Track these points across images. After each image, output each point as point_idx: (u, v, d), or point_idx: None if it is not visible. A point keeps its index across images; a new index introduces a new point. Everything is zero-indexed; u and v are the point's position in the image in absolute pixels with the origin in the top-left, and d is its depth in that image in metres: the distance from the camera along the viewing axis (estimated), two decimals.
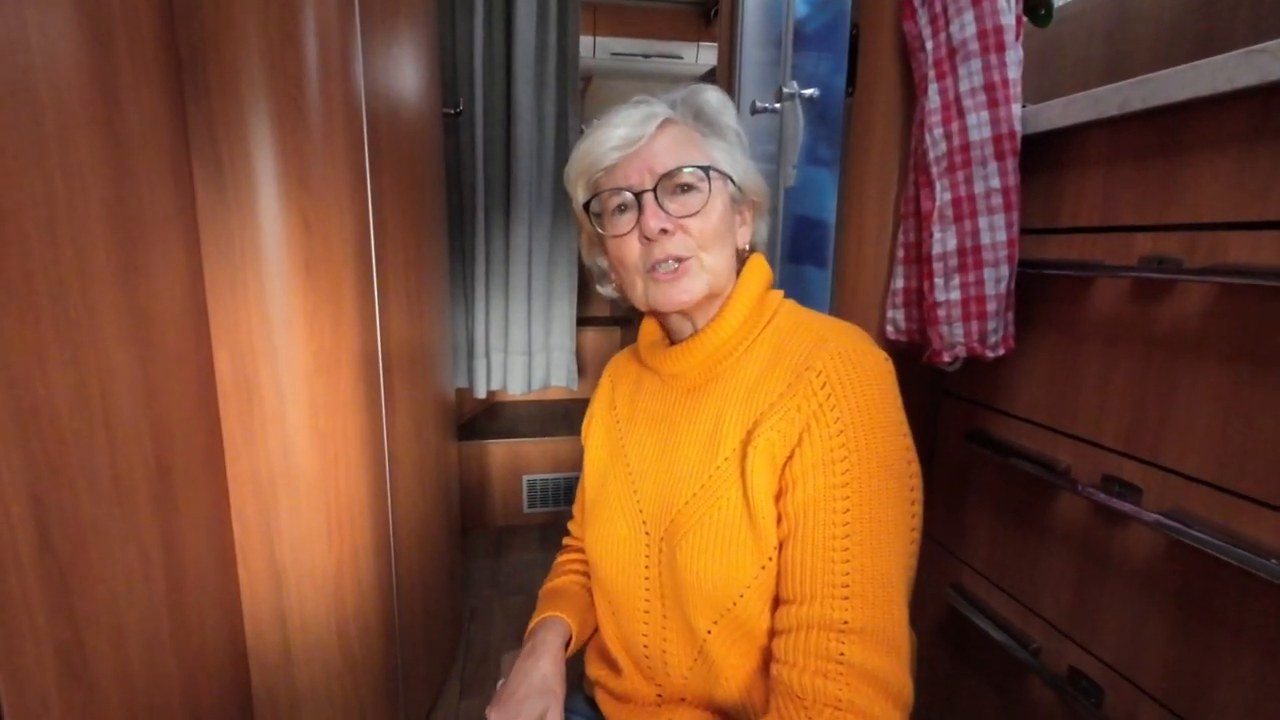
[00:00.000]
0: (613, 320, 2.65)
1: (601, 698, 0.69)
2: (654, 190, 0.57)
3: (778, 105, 1.35)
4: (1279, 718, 0.58)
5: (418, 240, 1.11)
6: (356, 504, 0.93)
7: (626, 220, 0.59)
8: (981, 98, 0.80)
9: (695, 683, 0.60)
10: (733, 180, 0.62)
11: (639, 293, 0.61)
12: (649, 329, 0.69)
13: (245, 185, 0.79)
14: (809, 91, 1.28)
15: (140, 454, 0.66)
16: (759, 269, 0.64)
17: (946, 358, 0.85)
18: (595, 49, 2.87)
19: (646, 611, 0.62)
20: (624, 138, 0.58)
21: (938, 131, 0.84)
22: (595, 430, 0.73)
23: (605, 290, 0.70)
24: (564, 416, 2.34)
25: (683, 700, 0.62)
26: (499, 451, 2.06)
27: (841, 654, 0.47)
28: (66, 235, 0.57)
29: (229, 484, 0.84)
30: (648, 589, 0.61)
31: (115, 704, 0.61)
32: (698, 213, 0.58)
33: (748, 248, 0.66)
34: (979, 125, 0.80)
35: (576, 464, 2.16)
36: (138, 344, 0.66)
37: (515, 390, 1.98)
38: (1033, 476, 0.84)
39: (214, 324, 0.81)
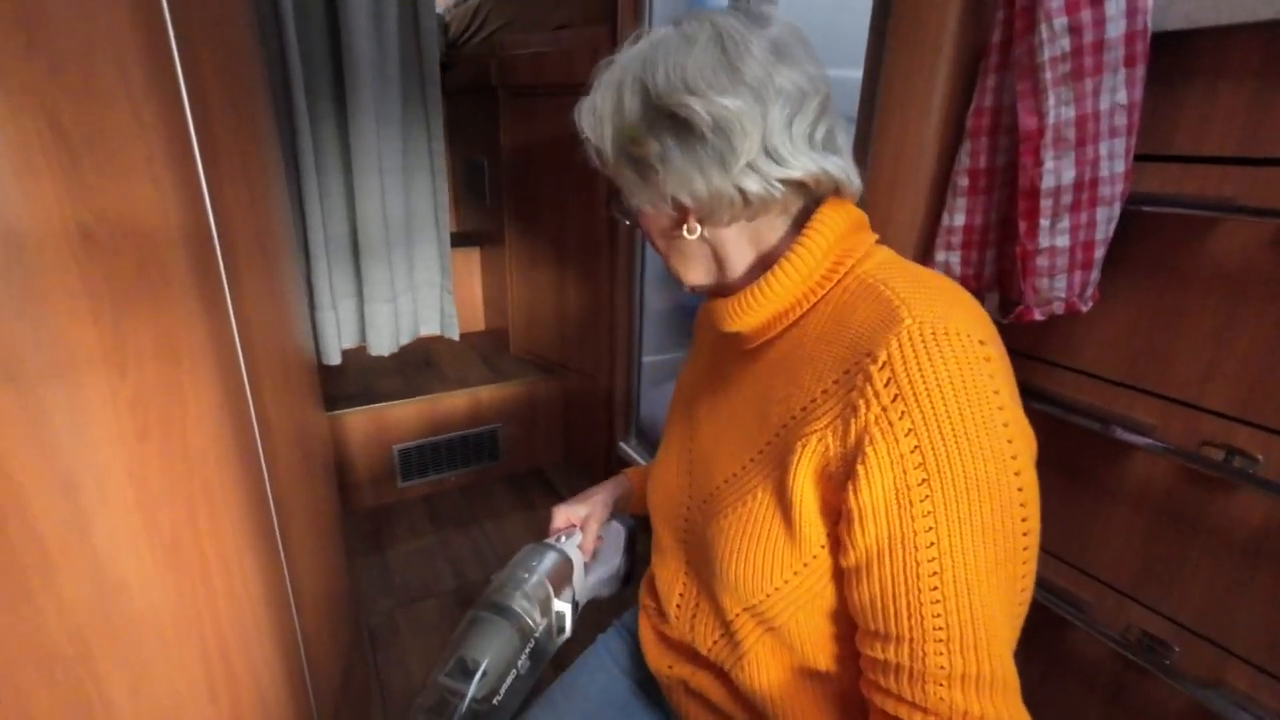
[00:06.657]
0: (465, 238, 2.20)
1: (644, 625, 0.68)
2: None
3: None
4: None
5: (260, 172, 0.67)
6: (249, 620, 0.58)
7: None
8: None
9: (719, 657, 0.58)
10: (677, 201, 0.50)
11: None
12: None
13: None
14: None
15: None
16: (831, 220, 0.51)
17: (1038, 315, 0.72)
18: None
19: (686, 573, 0.62)
20: None
21: (1059, 21, 0.63)
22: (689, 363, 0.71)
23: None
24: (427, 365, 1.92)
25: (708, 666, 0.61)
26: (358, 421, 1.63)
27: (948, 700, 0.43)
28: None
29: None
30: (687, 549, 0.61)
31: None
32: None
33: (775, 242, 0.53)
34: (1117, 17, 0.62)
35: (457, 422, 1.80)
36: None
37: (381, 349, 1.53)
38: (1092, 433, 0.77)
39: None
